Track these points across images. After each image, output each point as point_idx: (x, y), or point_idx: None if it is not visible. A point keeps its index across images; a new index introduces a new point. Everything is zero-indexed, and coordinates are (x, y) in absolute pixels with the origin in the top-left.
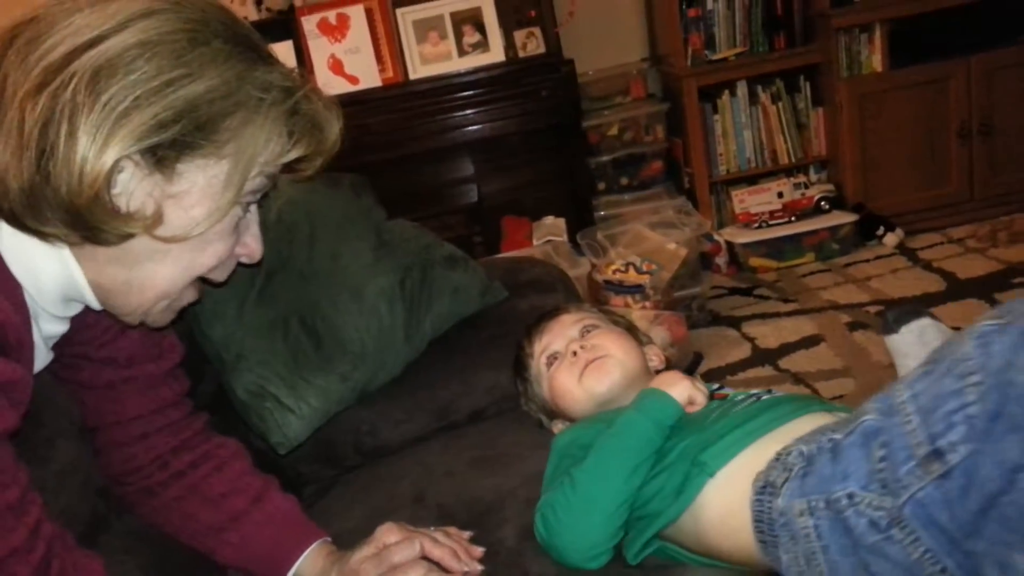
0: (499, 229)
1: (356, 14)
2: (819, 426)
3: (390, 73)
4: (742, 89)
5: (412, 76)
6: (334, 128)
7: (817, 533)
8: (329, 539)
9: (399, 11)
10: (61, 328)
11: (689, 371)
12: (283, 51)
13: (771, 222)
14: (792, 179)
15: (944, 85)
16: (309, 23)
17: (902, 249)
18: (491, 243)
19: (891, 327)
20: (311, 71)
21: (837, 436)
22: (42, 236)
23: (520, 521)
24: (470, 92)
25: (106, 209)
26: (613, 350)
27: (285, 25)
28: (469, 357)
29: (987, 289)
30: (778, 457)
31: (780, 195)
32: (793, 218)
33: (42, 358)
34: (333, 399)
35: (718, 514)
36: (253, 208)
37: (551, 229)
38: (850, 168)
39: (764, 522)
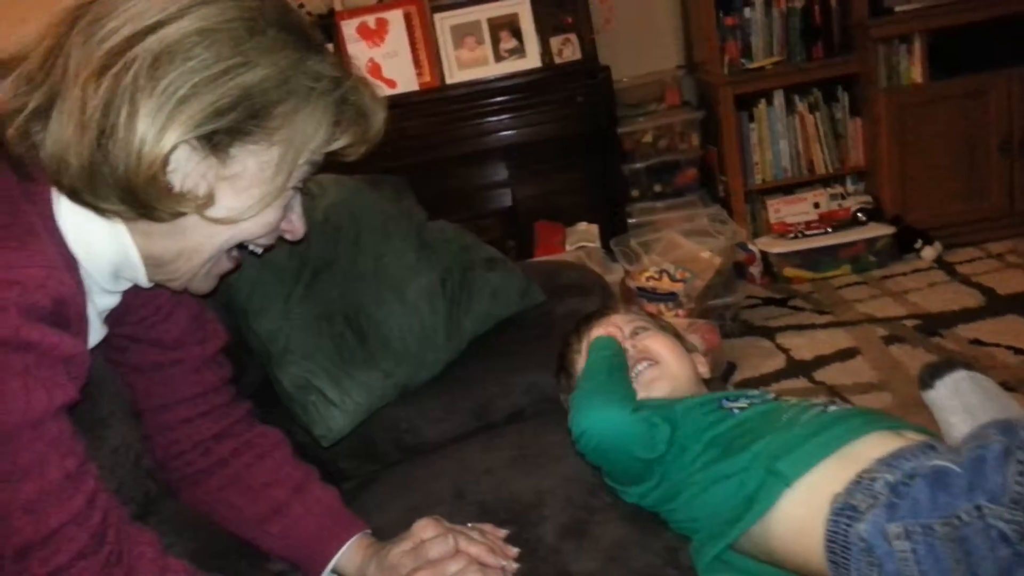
0: (532, 234)
1: (395, 19)
2: (898, 448)
3: (427, 77)
4: (779, 98)
5: (449, 80)
6: (379, 118)
7: (916, 557)
8: (369, 531)
9: (437, 16)
10: (113, 301)
11: (723, 380)
12: None
13: (807, 232)
14: (829, 190)
15: (985, 98)
16: (348, 27)
17: (940, 263)
18: (524, 248)
19: (927, 383)
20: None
21: (940, 463)
22: (99, 211)
23: (559, 519)
24: (506, 97)
25: (161, 189)
26: (665, 355)
27: (325, 29)
28: (508, 358)
29: None
30: (859, 480)
31: (816, 206)
32: (829, 229)
33: (96, 332)
34: (376, 395)
35: (792, 528)
36: (298, 195)
37: (584, 235)
38: (888, 180)
39: (838, 543)
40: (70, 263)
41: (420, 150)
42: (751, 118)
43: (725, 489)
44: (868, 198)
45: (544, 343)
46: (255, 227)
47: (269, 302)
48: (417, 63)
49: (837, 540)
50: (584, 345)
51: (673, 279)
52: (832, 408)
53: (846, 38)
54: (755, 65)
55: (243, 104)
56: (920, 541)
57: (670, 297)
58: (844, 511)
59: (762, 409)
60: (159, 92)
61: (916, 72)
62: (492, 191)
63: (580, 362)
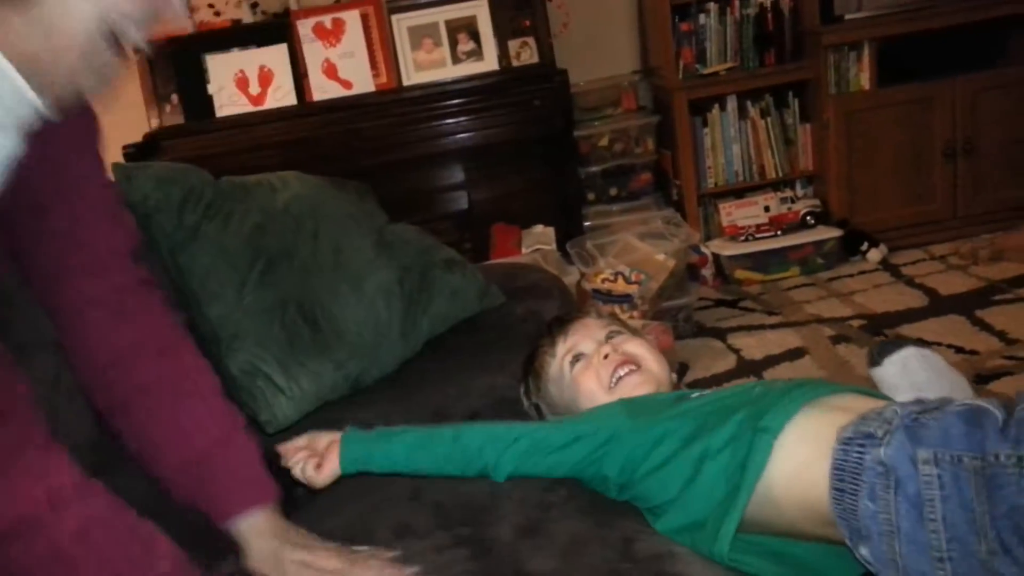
0: (489, 236)
1: (351, 19)
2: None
3: (384, 79)
4: (732, 103)
5: (406, 82)
6: None
7: (940, 483)
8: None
9: (394, 17)
10: (11, 145)
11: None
12: (277, 54)
13: (757, 235)
14: (779, 193)
15: (930, 104)
16: (304, 27)
17: (885, 265)
18: (480, 250)
19: (875, 360)
20: (305, 75)
21: (975, 402)
22: None
23: (515, 519)
24: (463, 99)
25: None
26: (647, 358)
27: (280, 28)
28: (465, 360)
29: (968, 306)
30: (865, 416)
31: (767, 209)
32: (779, 232)
33: None
34: (326, 384)
35: (790, 471)
36: None
37: (540, 238)
38: (836, 184)
39: (847, 471)
40: None
41: (376, 151)
42: (705, 123)
43: (715, 465)
44: (817, 202)
45: (502, 345)
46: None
47: (222, 288)
48: (374, 64)
49: (847, 468)
50: (559, 349)
51: (628, 281)
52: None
53: (797, 45)
54: (709, 71)
55: None
56: (947, 469)
57: (625, 299)
58: (855, 440)
59: (729, 391)
60: None
61: (864, 79)
62: (448, 193)
63: (552, 365)
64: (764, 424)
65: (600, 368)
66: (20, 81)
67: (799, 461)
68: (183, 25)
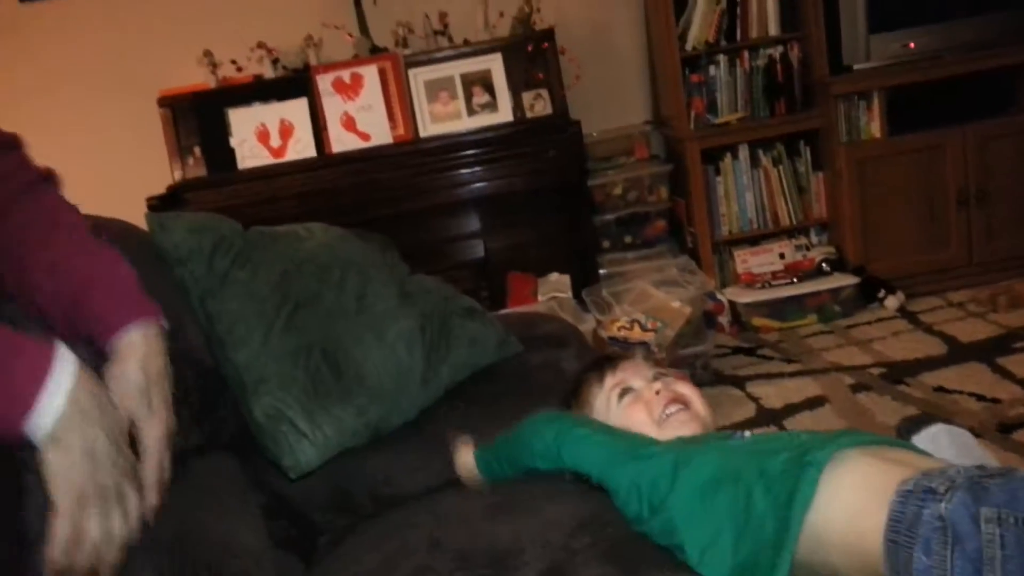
0: (504, 285)
1: (370, 74)
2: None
3: (401, 130)
4: (744, 152)
5: (422, 134)
6: None
7: (1002, 542)
8: (165, 324)
9: (411, 71)
10: None
11: None
12: (297, 107)
13: (773, 283)
14: (793, 241)
15: (941, 152)
16: (324, 82)
17: (903, 312)
18: (496, 298)
19: (904, 436)
20: (324, 127)
21: None
22: None
23: (539, 565)
24: (478, 150)
25: None
26: (694, 398)
27: (301, 83)
28: (484, 407)
29: (989, 353)
30: (926, 472)
31: (782, 256)
32: (795, 279)
33: None
34: (347, 431)
35: (845, 516)
36: None
37: (556, 285)
38: (850, 231)
39: (903, 523)
40: None
41: (394, 201)
42: (717, 171)
43: (763, 502)
44: (832, 249)
45: (520, 393)
46: None
47: (249, 333)
48: (391, 116)
49: (903, 520)
50: (607, 382)
51: (644, 329)
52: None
53: (807, 95)
54: (720, 120)
55: None
56: (1011, 531)
57: (641, 346)
58: (915, 493)
59: (774, 435)
60: None
61: (875, 127)
62: (465, 242)
63: (599, 397)
64: (809, 459)
65: (652, 402)
66: None
67: (852, 508)
68: None
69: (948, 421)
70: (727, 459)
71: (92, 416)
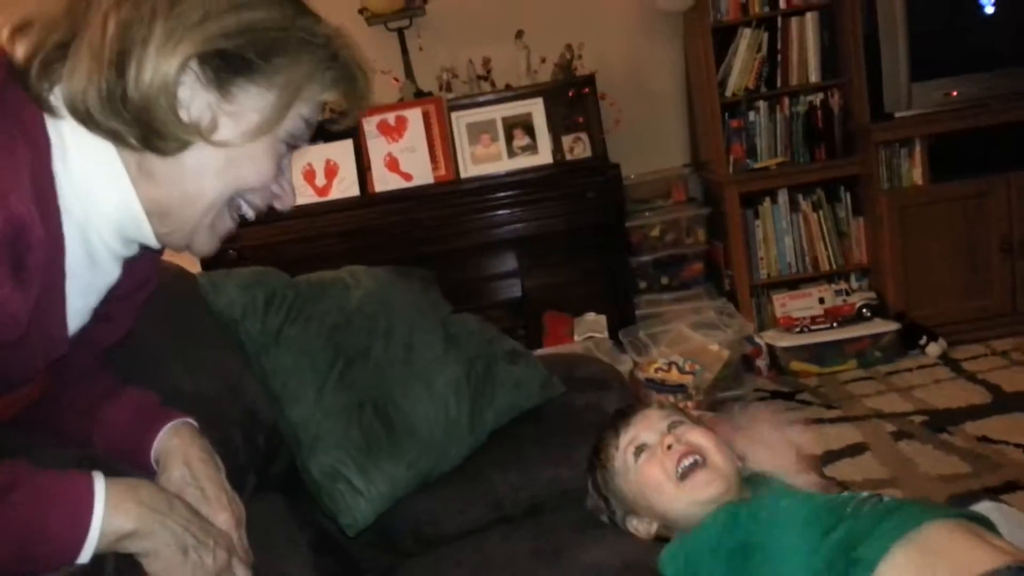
0: (541, 324)
1: (414, 116)
2: (993, 570)
3: (443, 171)
4: (783, 197)
5: (463, 175)
6: (365, 77)
7: None
8: (192, 421)
9: (454, 115)
10: (113, 276)
11: None
12: (343, 148)
13: (812, 327)
14: (833, 285)
15: (984, 201)
16: (369, 124)
17: (945, 359)
18: (533, 337)
19: None
20: (368, 167)
21: None
22: (111, 134)
23: None
24: (518, 191)
25: (171, 110)
26: (711, 449)
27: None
28: (528, 450)
29: None
30: None
31: (821, 301)
32: (835, 324)
33: (80, 316)
34: (400, 485)
35: None
36: (290, 158)
37: (592, 326)
38: (891, 277)
39: None
40: (50, 209)
41: (434, 240)
42: (756, 215)
43: None
44: (872, 294)
45: (564, 435)
46: (251, 173)
47: (303, 390)
48: (434, 158)
49: None
50: (621, 441)
51: (682, 371)
52: (885, 499)
53: (848, 141)
54: (760, 165)
55: (248, 36)
56: None
57: (679, 389)
58: None
59: (823, 500)
60: (174, 16)
61: (917, 175)
62: (503, 281)
63: (617, 458)
64: (859, 555)
65: (664, 459)
66: (146, 225)
67: None
68: (291, 203)
69: (996, 499)
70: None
71: (164, 513)
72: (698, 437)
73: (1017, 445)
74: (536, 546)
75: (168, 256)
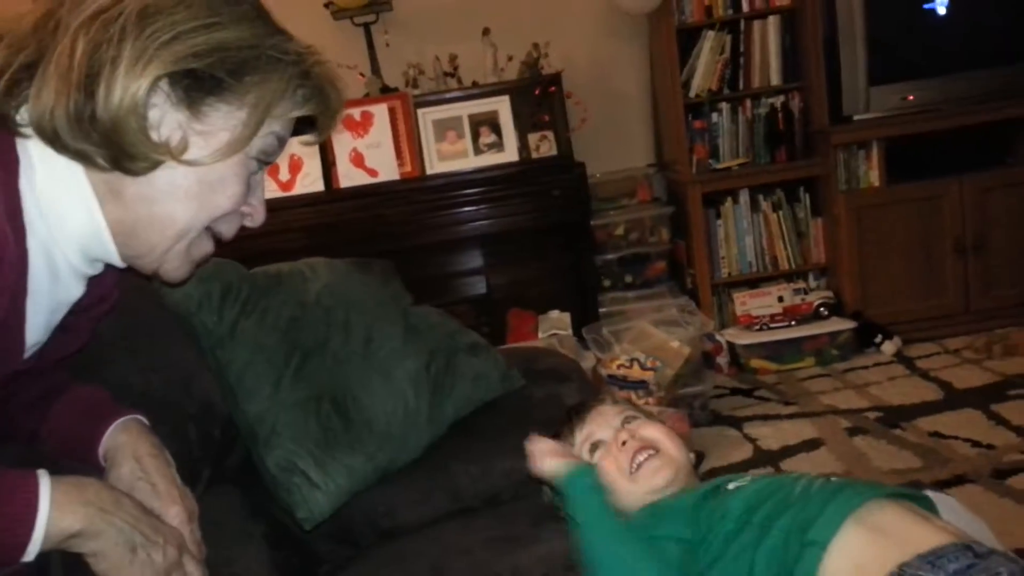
0: (505, 321)
1: (380, 112)
2: (939, 547)
3: (408, 167)
4: (744, 197)
5: (429, 171)
6: (338, 94)
7: None
8: (141, 418)
9: (420, 111)
10: (77, 292)
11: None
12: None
13: (771, 325)
14: (792, 284)
15: (939, 202)
16: None
17: (900, 357)
18: (497, 334)
19: None
20: (333, 163)
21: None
22: (79, 156)
23: None
24: (483, 188)
25: (140, 131)
26: (665, 443)
27: (312, 119)
28: (486, 441)
29: (984, 400)
30: (900, 573)
31: (780, 299)
32: (793, 322)
33: (38, 330)
34: (358, 478)
35: None
36: (262, 175)
37: (556, 323)
38: (848, 276)
39: None
40: (16, 226)
41: (399, 236)
42: (718, 215)
43: (763, 572)
44: (830, 293)
45: (522, 427)
46: (222, 197)
47: (259, 384)
48: (399, 154)
49: None
50: (577, 437)
51: (643, 367)
52: (833, 479)
53: (808, 143)
54: (722, 166)
55: (219, 55)
56: None
57: (640, 385)
58: None
59: (766, 483)
60: (144, 36)
61: (874, 176)
62: (467, 278)
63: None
64: (811, 537)
65: (619, 455)
66: (111, 246)
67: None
68: (261, 220)
69: (936, 489)
70: (729, 534)
71: (111, 512)
72: (651, 431)
73: (967, 440)
74: (494, 536)
75: None
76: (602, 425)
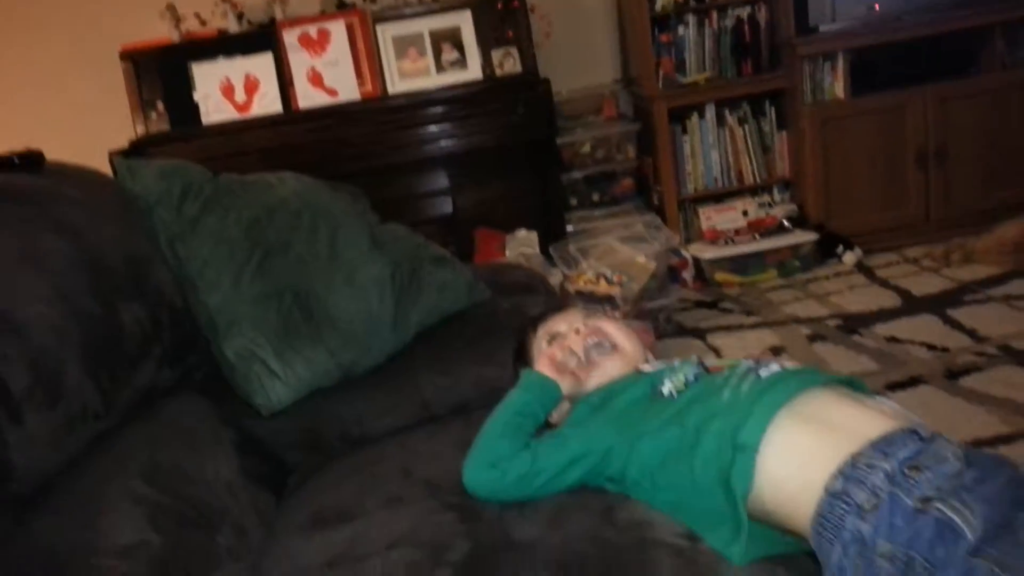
0: (472, 241)
1: (336, 29)
2: (889, 432)
3: (369, 87)
4: (710, 112)
5: (391, 90)
6: None
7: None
8: None
9: (379, 27)
10: None
11: None
12: (262, 62)
13: (736, 239)
14: (757, 199)
15: (902, 113)
16: (290, 36)
17: (860, 267)
18: (464, 254)
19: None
20: (291, 82)
21: (955, 518)
22: None
23: None
24: (447, 107)
25: None
26: (617, 336)
27: (266, 38)
28: (454, 351)
29: (940, 306)
30: (855, 464)
31: (745, 214)
32: (757, 236)
33: None
34: (319, 371)
35: (779, 497)
36: None
37: (524, 242)
38: (812, 189)
39: (828, 525)
40: None
41: (361, 157)
42: (684, 130)
43: (705, 478)
44: (793, 207)
45: (490, 337)
46: None
47: (220, 277)
48: (359, 73)
49: (829, 520)
50: (539, 332)
51: (610, 283)
52: (763, 372)
53: (774, 56)
54: (688, 80)
55: None
56: (900, 568)
57: (607, 300)
58: (842, 497)
59: (699, 389)
60: None
61: (839, 88)
62: (433, 198)
63: (534, 349)
64: (742, 441)
65: (573, 341)
66: None
67: (783, 489)
68: None
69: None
70: (663, 436)
71: None
72: (606, 324)
73: (923, 344)
74: (462, 440)
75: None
76: (562, 322)
